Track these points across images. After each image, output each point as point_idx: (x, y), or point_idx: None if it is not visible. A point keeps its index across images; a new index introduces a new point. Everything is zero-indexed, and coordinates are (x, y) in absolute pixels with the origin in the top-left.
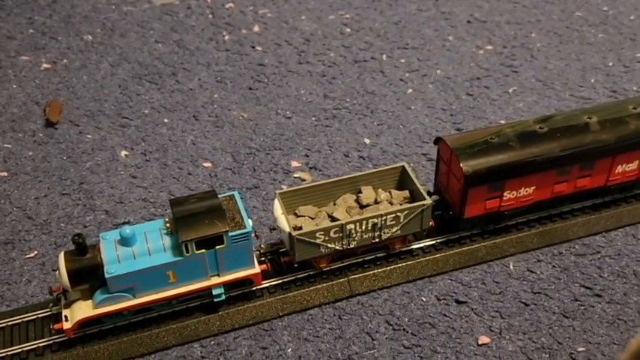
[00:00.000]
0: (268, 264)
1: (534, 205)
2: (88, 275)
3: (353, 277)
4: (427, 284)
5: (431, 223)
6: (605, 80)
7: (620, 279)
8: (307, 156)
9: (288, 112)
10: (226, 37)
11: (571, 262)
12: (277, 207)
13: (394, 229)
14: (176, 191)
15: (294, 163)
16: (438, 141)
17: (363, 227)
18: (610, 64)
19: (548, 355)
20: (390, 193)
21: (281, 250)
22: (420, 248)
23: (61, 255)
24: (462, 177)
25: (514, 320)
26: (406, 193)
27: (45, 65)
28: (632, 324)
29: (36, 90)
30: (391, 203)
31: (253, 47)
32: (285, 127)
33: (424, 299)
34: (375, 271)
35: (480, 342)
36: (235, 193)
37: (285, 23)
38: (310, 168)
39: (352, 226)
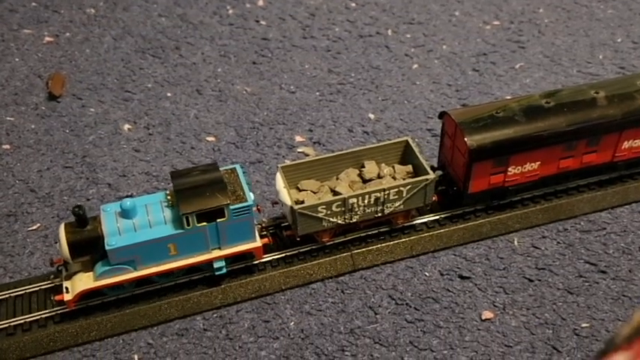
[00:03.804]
0: (270, 238)
1: (539, 181)
2: (89, 247)
3: (356, 251)
4: (431, 259)
5: (434, 198)
6: (613, 56)
7: (625, 255)
8: (311, 131)
9: (292, 87)
10: (230, 11)
11: (576, 239)
12: (279, 180)
13: (397, 204)
14: (179, 165)
15: (298, 138)
16: (442, 115)
17: (366, 201)
18: (619, 40)
19: (551, 331)
20: (393, 167)
21: (283, 225)
22: (424, 223)
23: (62, 227)
24: (466, 151)
25: (518, 296)
26: (409, 167)
27: (47, 39)
28: (636, 300)
29: (38, 63)
30: (394, 178)
31: (257, 21)
32: (289, 101)
33: (427, 274)
34: (379, 245)
35: (483, 317)
36: (237, 166)
37: None
38: (314, 143)
39: (355, 200)
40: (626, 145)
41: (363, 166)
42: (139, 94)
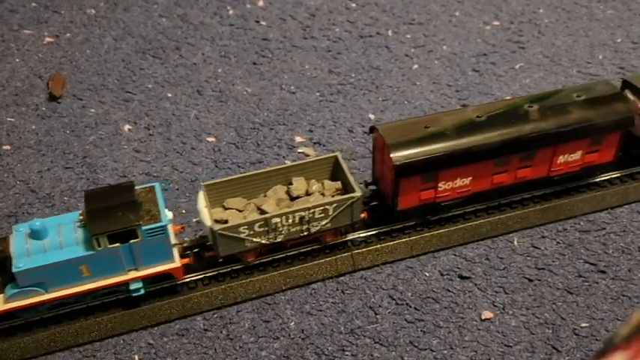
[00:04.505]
0: (192, 257)
1: (473, 196)
2: None
3: (356, 251)
4: (431, 259)
5: (363, 215)
6: (613, 57)
7: (624, 255)
8: (311, 131)
9: (292, 87)
10: (230, 12)
11: (575, 239)
12: (201, 199)
13: (323, 223)
14: (179, 165)
15: (298, 138)
16: (372, 130)
17: (290, 221)
18: (618, 40)
19: (551, 331)
20: (322, 184)
21: (208, 244)
22: (424, 224)
23: None
24: (392, 167)
25: (518, 296)
26: (339, 184)
27: (48, 39)
28: (636, 300)
29: (39, 64)
30: (323, 195)
31: (258, 22)
32: (290, 102)
33: (427, 274)
34: (379, 245)
35: (483, 317)
36: (156, 184)
37: None
38: (314, 143)
39: (278, 219)
40: (561, 159)
41: (291, 183)
42: (139, 94)
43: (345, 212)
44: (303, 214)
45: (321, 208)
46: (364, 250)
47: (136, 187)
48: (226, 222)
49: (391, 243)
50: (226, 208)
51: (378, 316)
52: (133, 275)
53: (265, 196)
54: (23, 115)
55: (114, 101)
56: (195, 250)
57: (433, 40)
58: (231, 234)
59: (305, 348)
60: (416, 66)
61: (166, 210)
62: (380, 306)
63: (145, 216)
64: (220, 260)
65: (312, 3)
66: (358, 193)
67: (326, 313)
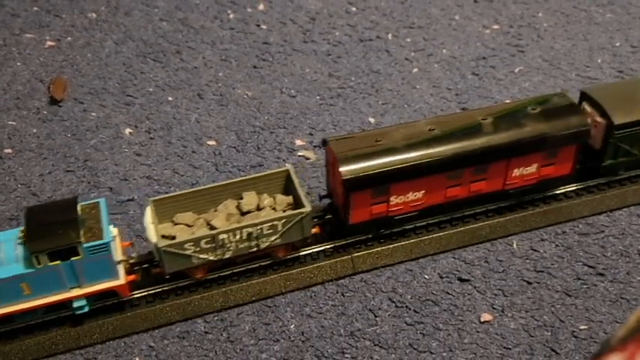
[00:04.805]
0: (140, 274)
1: (427, 210)
2: None
3: (356, 254)
4: (430, 262)
5: (315, 230)
6: (612, 60)
7: (623, 258)
8: (311, 135)
9: (292, 91)
10: (231, 16)
11: (574, 242)
12: (148, 215)
13: (273, 238)
14: (180, 169)
15: (299, 142)
16: (325, 143)
17: (238, 237)
18: (617, 44)
19: (550, 333)
20: (274, 198)
21: (156, 260)
22: (424, 227)
23: None
24: (341, 182)
25: (517, 298)
26: (290, 198)
27: (49, 43)
28: (634, 303)
29: (40, 68)
30: (275, 209)
31: (258, 26)
32: (290, 105)
33: (427, 277)
34: (378, 248)
35: (482, 319)
36: (101, 200)
37: (290, 2)
38: (314, 147)
39: (225, 236)
40: (516, 172)
41: (242, 198)
42: (140, 98)
43: (294, 228)
44: (251, 230)
45: (270, 223)
46: (364, 252)
47: (81, 203)
48: (174, 238)
49: (391, 246)
50: (176, 224)
51: (377, 319)
52: (75, 293)
53: (216, 210)
54: (24, 118)
55: (115, 105)
56: (145, 265)
57: (433, 43)
58: (176, 251)
59: (305, 350)
60: (416, 70)
61: (111, 226)
62: (379, 308)
63: (87, 233)
64: (167, 277)
65: (313, 7)
66: (307, 209)
67: (326, 316)
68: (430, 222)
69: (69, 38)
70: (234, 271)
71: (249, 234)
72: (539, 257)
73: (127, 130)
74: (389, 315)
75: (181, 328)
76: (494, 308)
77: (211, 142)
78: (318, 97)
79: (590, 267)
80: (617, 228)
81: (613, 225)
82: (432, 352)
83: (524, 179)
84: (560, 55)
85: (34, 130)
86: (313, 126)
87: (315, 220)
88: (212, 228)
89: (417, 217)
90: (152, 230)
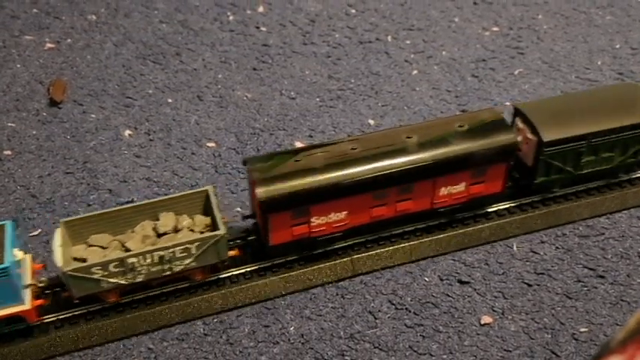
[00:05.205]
0: (48, 298)
1: (352, 230)
2: None
3: (356, 256)
4: (430, 264)
5: (233, 253)
6: (612, 62)
7: (623, 260)
8: (311, 136)
9: (292, 93)
10: (231, 18)
11: (575, 244)
12: (57, 237)
13: (187, 262)
14: (180, 171)
15: (298, 144)
16: (244, 163)
17: (149, 260)
18: (617, 46)
19: (550, 336)
20: (193, 219)
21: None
22: (424, 229)
23: None
24: (258, 203)
25: (517, 301)
26: (209, 219)
27: (49, 45)
28: (635, 305)
29: (40, 69)
30: (193, 231)
31: (258, 28)
32: (289, 107)
33: (427, 279)
34: (378, 250)
35: (482, 322)
36: (7, 223)
37: (289, 4)
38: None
39: (135, 259)
40: (444, 191)
41: (158, 219)
42: (139, 100)
43: (210, 250)
44: (162, 253)
45: (182, 247)
46: (364, 255)
47: None
48: (85, 261)
49: (390, 248)
50: (90, 245)
51: (377, 321)
52: None
53: (133, 232)
54: (24, 120)
55: (114, 107)
56: (57, 289)
57: (432, 45)
58: (83, 275)
59: (305, 353)
60: (415, 71)
61: (16, 250)
62: (379, 311)
63: None
64: (76, 301)
65: (312, 9)
66: (221, 232)
67: (326, 318)
68: (431, 224)
69: (68, 40)
70: (233, 273)
71: (161, 257)
72: (539, 259)
73: (127, 132)
74: (389, 317)
75: (181, 330)
76: (494, 310)
77: (211, 144)
78: (317, 99)
79: (591, 269)
80: (618, 230)
81: (613, 227)
82: (432, 355)
83: (453, 198)
84: (559, 57)
85: (34, 132)
86: (313, 128)
87: (239, 241)
88: (127, 250)
89: (343, 237)
90: (59, 253)
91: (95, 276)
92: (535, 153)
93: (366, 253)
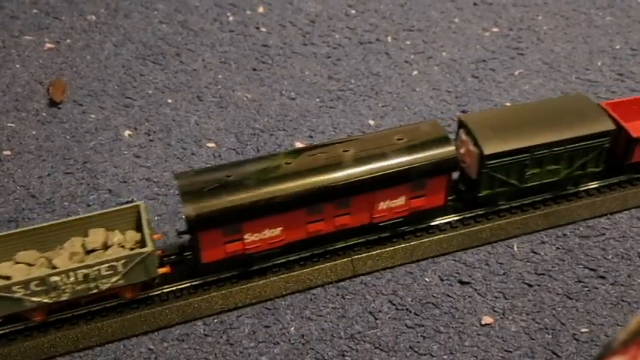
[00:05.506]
0: None
1: (289, 246)
2: None
3: (356, 257)
4: (430, 265)
5: (163, 270)
6: (612, 63)
7: (624, 261)
8: (311, 137)
9: (292, 93)
10: (231, 18)
11: (575, 244)
12: None
13: (114, 280)
14: (180, 171)
15: (298, 144)
16: (177, 178)
17: (73, 279)
18: (617, 47)
19: (551, 336)
20: (125, 235)
21: None
22: (424, 229)
23: None
24: (186, 221)
25: (517, 301)
26: (139, 235)
27: (48, 45)
28: (635, 306)
29: (39, 70)
30: (123, 247)
31: (258, 28)
32: (289, 108)
33: (427, 279)
34: (379, 251)
35: (483, 322)
36: None
37: (289, 4)
38: None
39: (58, 278)
40: (383, 205)
41: (87, 235)
42: (139, 100)
43: (137, 268)
44: (86, 271)
45: (108, 264)
46: (364, 255)
47: None
48: (9, 278)
49: (391, 248)
50: (17, 262)
51: (378, 322)
52: None
53: (62, 248)
54: (24, 120)
55: (114, 107)
56: None
57: (432, 46)
58: (3, 294)
59: (305, 353)
60: (415, 72)
61: None
62: (380, 311)
63: None
64: (0, 320)
65: (312, 10)
66: (148, 249)
67: (326, 319)
68: (431, 224)
69: (68, 40)
70: (234, 273)
71: (86, 275)
72: (539, 260)
73: (127, 132)
74: (389, 317)
75: (181, 331)
76: (495, 311)
77: (211, 145)
78: (317, 100)
79: (591, 270)
80: (618, 230)
81: (614, 228)
82: (432, 355)
83: (394, 212)
84: (560, 58)
85: (33, 132)
86: (313, 128)
87: (174, 257)
88: (54, 267)
89: (280, 254)
90: None
91: (17, 295)
92: (478, 166)
93: (367, 254)
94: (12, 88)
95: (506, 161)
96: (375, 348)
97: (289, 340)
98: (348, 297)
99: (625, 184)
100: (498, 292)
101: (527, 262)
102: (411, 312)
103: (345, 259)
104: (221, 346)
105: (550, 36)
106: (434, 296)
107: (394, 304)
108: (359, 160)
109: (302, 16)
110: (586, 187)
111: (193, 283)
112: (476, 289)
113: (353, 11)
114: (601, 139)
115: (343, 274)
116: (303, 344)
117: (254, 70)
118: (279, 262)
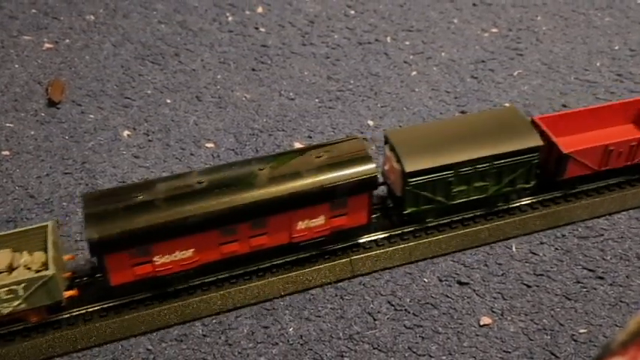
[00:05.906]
0: None
1: (205, 267)
2: None
3: (355, 257)
4: (429, 265)
5: (71, 293)
6: (611, 64)
7: (622, 262)
8: (310, 137)
9: (291, 94)
10: (230, 18)
11: (574, 245)
12: None
13: (15, 304)
14: (178, 171)
15: (297, 145)
16: (83, 197)
17: None
18: (616, 47)
19: (549, 337)
20: (32, 256)
21: None
22: (423, 229)
23: None
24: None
25: (516, 302)
26: (45, 257)
27: (47, 45)
28: (634, 306)
29: (38, 70)
30: (30, 269)
31: (257, 28)
32: (288, 108)
33: (426, 280)
34: (377, 251)
35: (481, 323)
36: None
37: (288, 4)
38: None
39: None
40: (301, 225)
41: None
42: (138, 100)
43: (40, 292)
44: None
45: (7, 288)
46: (363, 255)
47: None
48: None
49: (390, 249)
50: None
51: (376, 322)
52: None
53: None
54: (22, 120)
55: (113, 107)
56: None
57: (432, 47)
58: None
59: (304, 354)
60: (414, 72)
61: None
62: (379, 312)
63: None
64: None
65: (311, 10)
66: (49, 273)
67: (325, 319)
68: (430, 226)
69: (67, 40)
70: (232, 273)
71: None
72: (538, 260)
73: (125, 133)
74: (388, 318)
75: (179, 331)
76: (493, 312)
77: (210, 145)
78: (316, 100)
79: (590, 270)
80: (617, 231)
81: (612, 228)
82: (431, 356)
83: (314, 231)
84: (559, 59)
85: (32, 132)
86: (312, 129)
87: (86, 278)
88: None
89: (196, 275)
90: None
91: None
92: (402, 183)
93: (365, 254)
94: (11, 88)
95: (430, 178)
96: (374, 348)
97: (288, 340)
98: (346, 297)
99: (624, 184)
100: (497, 293)
101: (526, 262)
102: (409, 312)
103: (343, 260)
104: (219, 346)
105: (549, 36)
106: (432, 297)
107: (393, 305)
108: (274, 179)
109: (301, 17)
110: (586, 188)
111: (104, 306)
112: (474, 290)
113: (352, 11)
114: (529, 155)
115: (342, 274)
116: (301, 345)
117: (253, 70)
118: (278, 262)
